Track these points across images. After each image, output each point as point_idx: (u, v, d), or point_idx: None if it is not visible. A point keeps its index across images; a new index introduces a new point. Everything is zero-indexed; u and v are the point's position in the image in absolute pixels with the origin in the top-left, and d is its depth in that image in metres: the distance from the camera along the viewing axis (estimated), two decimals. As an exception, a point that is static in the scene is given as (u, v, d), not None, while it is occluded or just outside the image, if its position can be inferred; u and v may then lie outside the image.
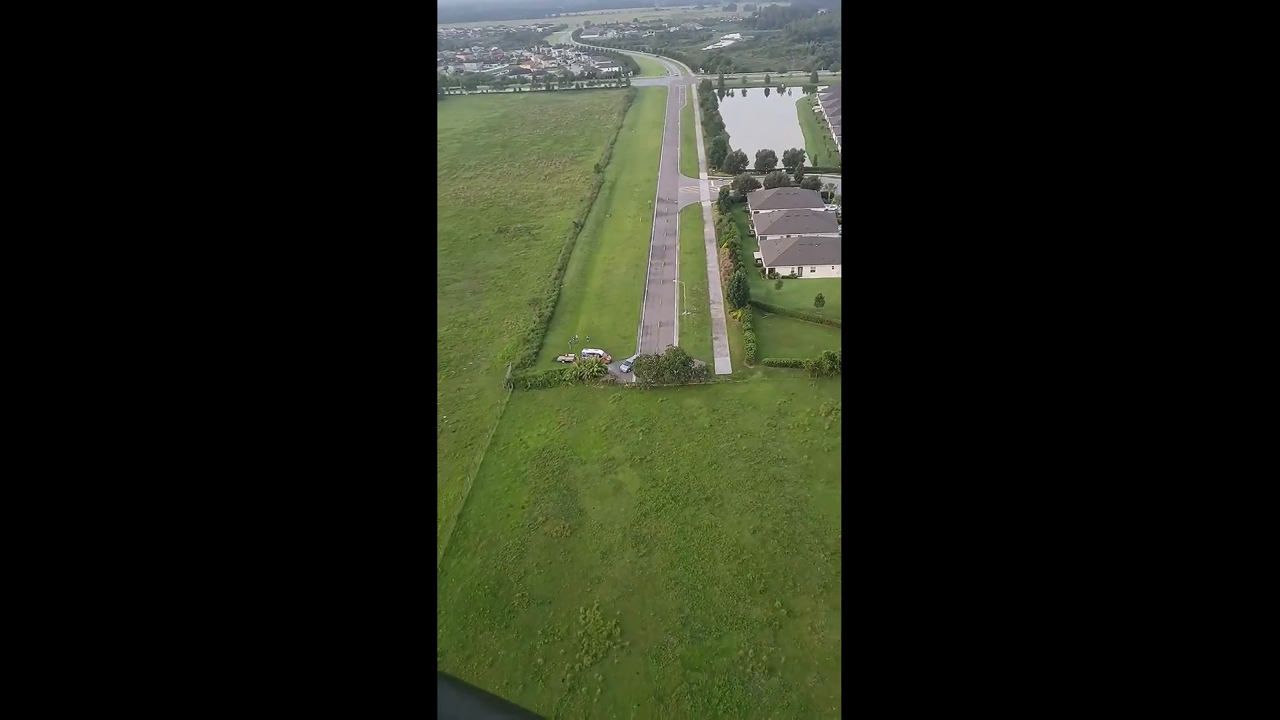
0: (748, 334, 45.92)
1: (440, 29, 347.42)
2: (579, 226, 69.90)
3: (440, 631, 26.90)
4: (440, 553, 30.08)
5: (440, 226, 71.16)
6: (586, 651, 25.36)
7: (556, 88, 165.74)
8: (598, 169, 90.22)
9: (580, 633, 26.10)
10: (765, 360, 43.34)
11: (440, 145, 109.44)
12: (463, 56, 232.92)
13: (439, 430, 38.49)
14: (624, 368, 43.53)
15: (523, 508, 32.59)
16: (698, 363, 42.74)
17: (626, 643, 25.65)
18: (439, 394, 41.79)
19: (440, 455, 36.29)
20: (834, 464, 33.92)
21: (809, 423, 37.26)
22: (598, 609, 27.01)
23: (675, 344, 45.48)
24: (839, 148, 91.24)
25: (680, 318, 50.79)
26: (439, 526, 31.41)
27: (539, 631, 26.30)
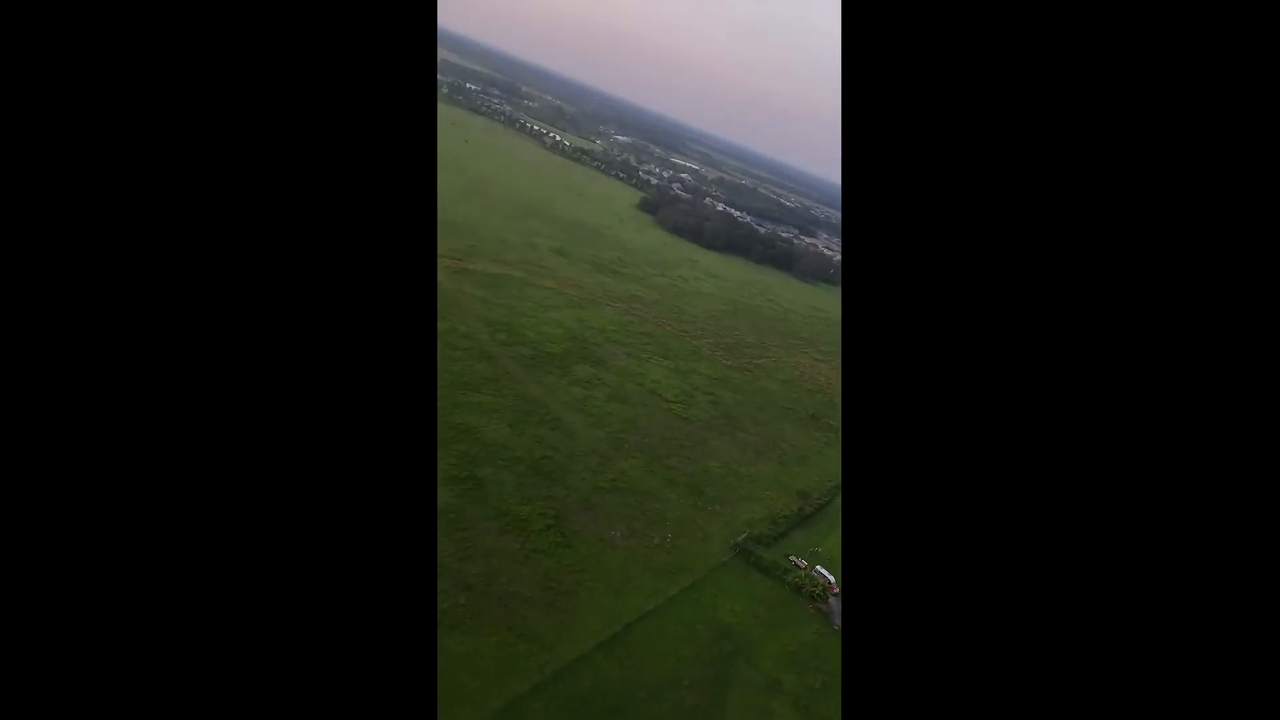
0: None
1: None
2: (884, 457, 68.19)
3: None
4: (588, 646, 31.67)
5: (768, 385, 75.99)
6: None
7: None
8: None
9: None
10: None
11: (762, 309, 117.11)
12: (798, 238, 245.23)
13: (664, 550, 40.84)
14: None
15: (678, 661, 32.67)
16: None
17: None
18: (678, 511, 44.41)
19: (645, 568, 38.44)
20: None
21: None
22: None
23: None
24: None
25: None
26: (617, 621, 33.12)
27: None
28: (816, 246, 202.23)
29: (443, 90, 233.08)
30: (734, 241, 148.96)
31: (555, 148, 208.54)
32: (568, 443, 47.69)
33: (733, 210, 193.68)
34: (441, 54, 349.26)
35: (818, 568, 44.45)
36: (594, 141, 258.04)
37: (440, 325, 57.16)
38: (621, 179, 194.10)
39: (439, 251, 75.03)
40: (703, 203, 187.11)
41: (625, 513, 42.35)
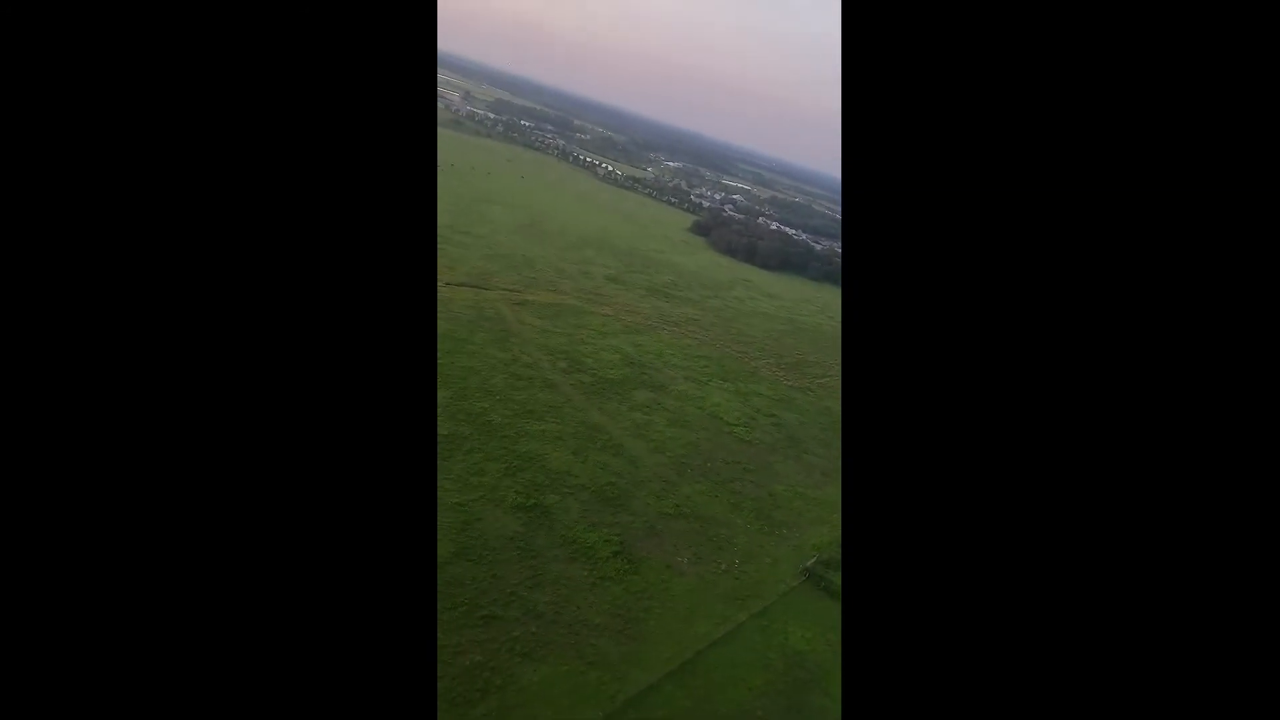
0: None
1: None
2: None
3: None
4: (659, 675, 31.38)
5: (832, 405, 74.45)
6: None
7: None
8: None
9: None
10: None
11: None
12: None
13: (733, 576, 40.30)
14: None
15: (750, 690, 31.99)
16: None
17: None
18: (744, 536, 43.76)
19: (714, 594, 37.96)
20: None
21: None
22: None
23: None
24: None
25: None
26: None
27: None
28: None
29: (498, 128, 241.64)
30: (789, 259, 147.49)
31: (608, 178, 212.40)
32: (631, 469, 47.86)
33: (787, 228, 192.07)
34: (496, 93, 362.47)
35: (893, 593, 42.85)
36: (645, 169, 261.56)
37: (503, 355, 58.66)
38: (673, 204, 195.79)
39: (499, 285, 77.28)
40: (756, 222, 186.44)
41: (691, 539, 42.03)
